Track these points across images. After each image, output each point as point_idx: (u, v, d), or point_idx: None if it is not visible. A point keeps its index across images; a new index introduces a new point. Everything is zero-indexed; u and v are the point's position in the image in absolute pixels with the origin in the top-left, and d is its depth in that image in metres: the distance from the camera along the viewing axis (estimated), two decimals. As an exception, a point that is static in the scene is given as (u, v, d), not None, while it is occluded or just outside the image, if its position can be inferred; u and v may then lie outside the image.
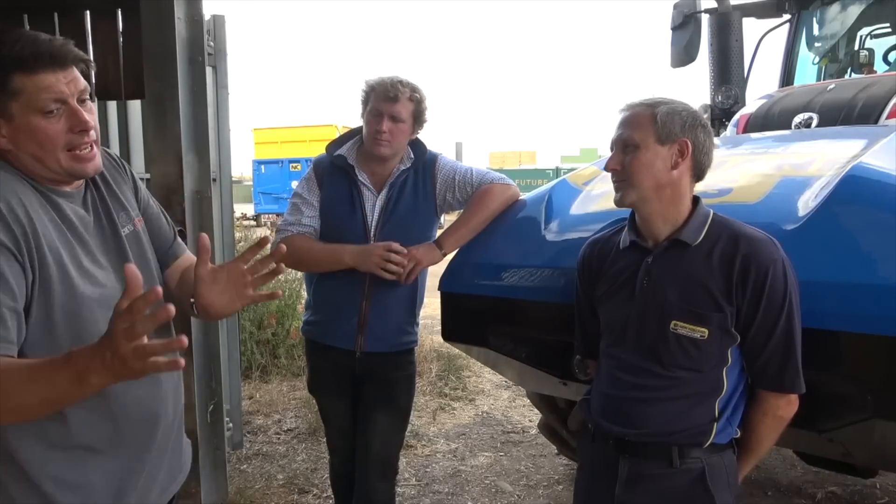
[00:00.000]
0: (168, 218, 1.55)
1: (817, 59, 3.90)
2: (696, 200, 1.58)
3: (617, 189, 1.58)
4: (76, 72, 1.19)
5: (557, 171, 22.06)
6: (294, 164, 21.46)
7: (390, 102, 2.14)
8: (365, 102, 2.22)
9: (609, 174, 1.61)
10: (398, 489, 2.51)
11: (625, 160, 1.54)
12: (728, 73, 3.65)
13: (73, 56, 1.18)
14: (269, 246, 1.42)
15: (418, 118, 2.21)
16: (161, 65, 2.57)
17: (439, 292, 2.27)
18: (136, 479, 1.31)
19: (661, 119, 1.51)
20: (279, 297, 1.33)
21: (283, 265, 1.34)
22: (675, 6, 3.67)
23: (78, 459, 1.23)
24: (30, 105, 1.14)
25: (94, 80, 1.18)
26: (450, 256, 2.30)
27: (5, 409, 1.03)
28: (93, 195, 1.34)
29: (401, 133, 2.17)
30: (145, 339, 0.96)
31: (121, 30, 2.90)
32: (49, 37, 1.16)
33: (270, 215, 19.93)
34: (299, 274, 4.70)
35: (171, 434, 1.40)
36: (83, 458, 1.24)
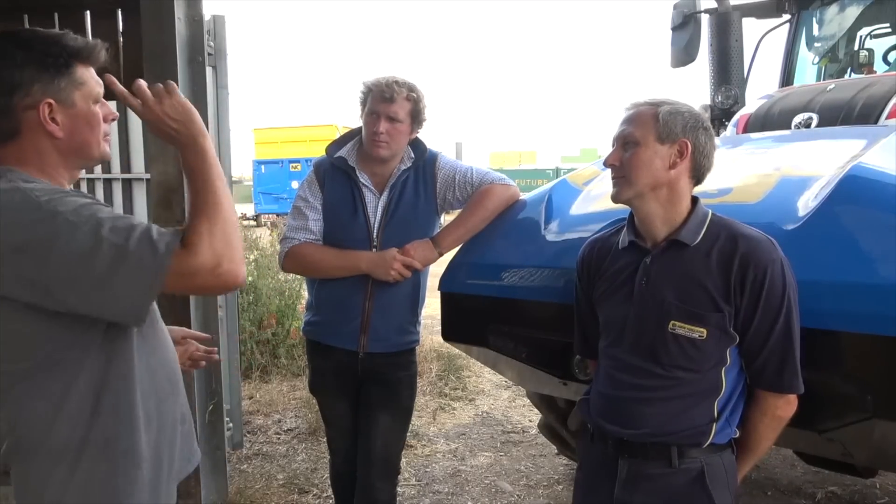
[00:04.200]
0: None
1: (817, 59, 3.90)
2: (694, 201, 1.58)
3: (614, 185, 1.58)
4: None
5: (557, 171, 22.06)
6: (294, 164, 21.46)
7: (386, 103, 2.13)
8: (363, 104, 2.21)
9: (609, 173, 1.61)
10: (398, 489, 2.51)
11: (624, 157, 1.55)
12: (728, 73, 3.65)
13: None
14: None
15: (416, 117, 2.20)
16: (161, 65, 2.58)
17: (439, 292, 2.27)
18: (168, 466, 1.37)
19: (663, 118, 1.51)
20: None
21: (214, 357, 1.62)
22: (675, 6, 3.67)
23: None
24: (91, 94, 1.24)
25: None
26: (449, 255, 2.30)
27: None
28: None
29: (399, 133, 2.17)
30: None
31: (121, 30, 2.91)
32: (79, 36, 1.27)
33: (270, 215, 19.93)
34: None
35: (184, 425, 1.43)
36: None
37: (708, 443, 1.52)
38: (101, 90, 1.26)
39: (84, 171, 1.41)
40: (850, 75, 3.65)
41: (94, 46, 1.24)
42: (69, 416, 1.20)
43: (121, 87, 1.26)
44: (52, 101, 1.19)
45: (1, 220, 1.10)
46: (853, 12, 3.64)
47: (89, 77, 1.25)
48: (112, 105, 1.33)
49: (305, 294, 2.48)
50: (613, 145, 1.59)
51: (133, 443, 1.26)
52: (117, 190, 4.55)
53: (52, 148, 1.23)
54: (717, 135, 3.27)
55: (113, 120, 1.31)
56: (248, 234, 6.16)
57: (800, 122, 2.80)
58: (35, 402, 1.19)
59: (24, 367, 1.18)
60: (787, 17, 3.93)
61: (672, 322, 1.50)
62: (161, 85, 1.26)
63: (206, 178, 1.23)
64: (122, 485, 1.25)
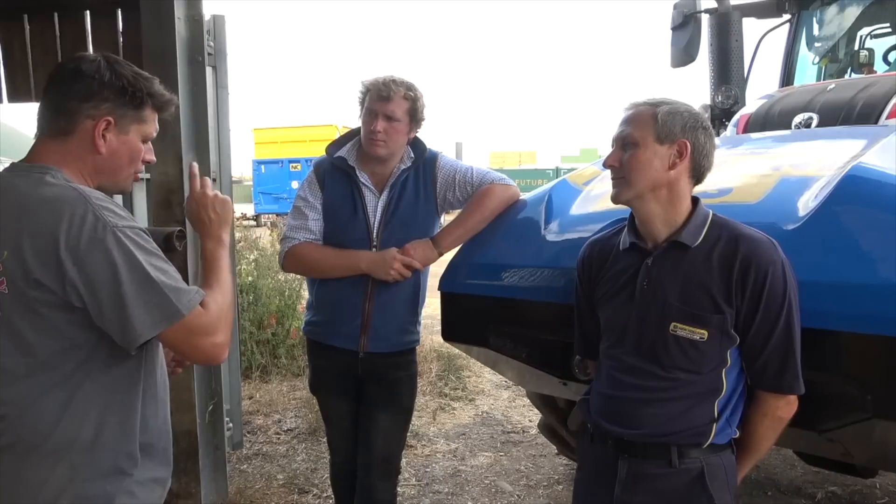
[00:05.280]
0: None
1: (817, 59, 3.90)
2: (695, 201, 1.58)
3: (614, 186, 1.58)
4: None
5: (557, 171, 22.07)
6: (294, 164, 21.47)
7: (384, 102, 2.13)
8: (361, 103, 2.21)
9: (609, 173, 1.61)
10: (398, 489, 2.51)
11: (623, 157, 1.54)
12: (728, 73, 3.65)
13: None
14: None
15: (414, 116, 2.20)
16: (161, 65, 2.57)
17: (439, 292, 2.27)
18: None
19: (662, 118, 1.51)
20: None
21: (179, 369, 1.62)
22: (675, 6, 3.67)
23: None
24: (145, 132, 1.39)
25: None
26: (449, 255, 2.30)
27: None
28: None
29: (396, 132, 2.16)
30: None
31: (121, 30, 2.90)
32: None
33: (270, 215, 19.94)
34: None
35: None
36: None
37: (708, 443, 1.52)
38: (154, 134, 1.41)
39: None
40: (850, 75, 3.65)
41: (170, 101, 1.41)
42: (74, 417, 1.24)
43: (195, 172, 1.55)
44: (111, 119, 1.31)
45: (56, 210, 1.20)
46: (853, 12, 3.65)
47: (152, 120, 1.39)
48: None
49: (305, 294, 2.48)
50: (613, 146, 1.59)
51: (133, 449, 1.32)
52: (117, 190, 4.54)
53: (91, 160, 1.33)
54: (717, 135, 3.27)
55: (148, 162, 1.44)
56: (248, 234, 6.15)
57: (800, 122, 2.80)
58: (39, 401, 1.23)
59: (28, 363, 1.22)
60: (787, 17, 3.93)
61: (673, 324, 1.50)
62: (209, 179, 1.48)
63: (221, 264, 1.44)
64: (118, 488, 1.30)
